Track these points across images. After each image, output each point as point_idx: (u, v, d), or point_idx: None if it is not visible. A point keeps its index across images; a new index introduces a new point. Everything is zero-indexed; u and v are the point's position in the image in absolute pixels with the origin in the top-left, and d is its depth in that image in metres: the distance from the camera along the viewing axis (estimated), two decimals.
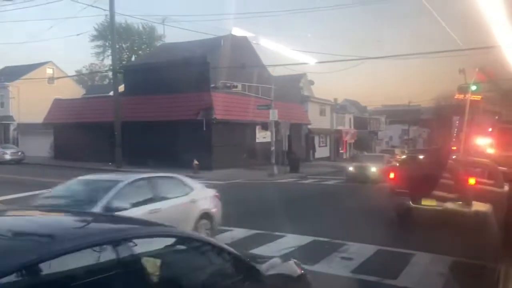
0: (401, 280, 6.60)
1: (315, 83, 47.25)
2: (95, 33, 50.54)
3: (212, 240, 3.72)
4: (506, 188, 9.58)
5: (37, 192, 15.23)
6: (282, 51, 24.41)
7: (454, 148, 19.06)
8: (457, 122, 22.70)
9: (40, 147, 33.11)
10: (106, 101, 30.58)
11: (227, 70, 26.71)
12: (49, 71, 38.12)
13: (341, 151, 49.42)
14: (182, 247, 3.30)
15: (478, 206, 8.19)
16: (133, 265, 2.72)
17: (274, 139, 25.74)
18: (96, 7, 33.01)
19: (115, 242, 2.66)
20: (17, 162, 29.40)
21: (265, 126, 26.84)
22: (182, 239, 3.31)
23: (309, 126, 39.51)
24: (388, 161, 23.54)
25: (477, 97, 21.61)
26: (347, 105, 55.50)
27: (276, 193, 18.65)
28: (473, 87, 21.61)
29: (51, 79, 36.84)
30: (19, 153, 30.87)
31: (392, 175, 11.11)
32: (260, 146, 29.73)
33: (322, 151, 44.17)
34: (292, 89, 38.50)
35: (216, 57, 27.45)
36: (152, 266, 2.91)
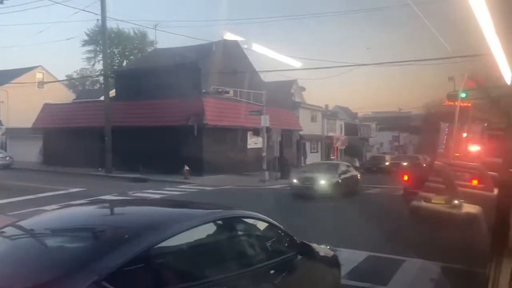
0: (392, 286, 6.59)
1: (306, 89, 47.48)
2: (86, 38, 50.38)
3: (271, 220, 4.27)
4: (495, 192, 9.70)
5: (21, 198, 15.01)
6: (274, 56, 24.46)
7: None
8: (447, 129, 22.91)
9: (29, 152, 32.74)
10: (97, 106, 30.38)
11: (218, 76, 26.71)
12: (39, 75, 37.80)
13: (332, 157, 49.54)
14: (250, 225, 4.01)
15: (468, 208, 8.29)
16: (223, 241, 3.55)
17: (265, 145, 25.73)
18: (88, 11, 32.95)
19: (211, 222, 3.45)
20: (5, 167, 29.04)
21: (256, 132, 26.83)
22: (250, 219, 4.02)
23: (301, 132, 39.60)
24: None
25: (467, 104, 21.83)
26: (338, 111, 55.76)
27: (266, 199, 18.60)
28: (463, 94, 21.84)
29: (41, 84, 36.53)
30: (7, 158, 30.51)
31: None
32: (251, 152, 29.71)
33: (313, 157, 44.24)
34: (284, 95, 38.60)
35: (208, 62, 27.44)
36: (233, 240, 3.71)
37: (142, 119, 27.15)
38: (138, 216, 3.69)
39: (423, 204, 9.15)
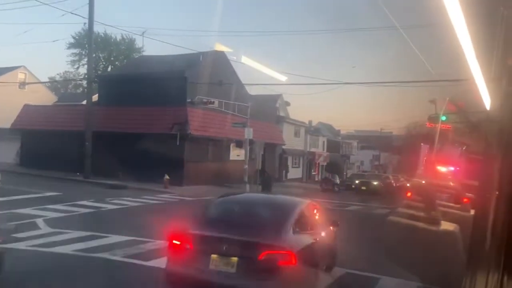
0: None
1: (291, 105, 47.79)
2: (72, 40, 49.88)
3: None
4: (472, 213, 9.94)
5: None
6: (260, 70, 24.63)
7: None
8: (426, 150, 23.30)
9: (6, 153, 31.95)
10: (78, 110, 29.94)
11: (204, 86, 26.67)
12: (21, 75, 37.13)
13: (313, 173, 49.78)
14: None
15: (447, 226, 8.47)
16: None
17: (248, 157, 25.70)
18: (76, 14, 32.47)
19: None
20: None
21: (239, 144, 26.79)
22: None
23: (283, 147, 39.73)
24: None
25: (447, 127, 22.25)
26: (321, 128, 56.24)
27: None
28: (443, 117, 22.24)
29: (23, 84, 35.89)
30: None
31: (409, 194, 12.85)
32: (233, 164, 29.61)
33: (294, 172, 44.38)
34: (268, 109, 38.76)
35: (194, 72, 27.40)
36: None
37: (124, 125, 26.84)
38: (279, 200, 7.60)
39: (401, 220, 9.29)
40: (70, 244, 9.10)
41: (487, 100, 5.85)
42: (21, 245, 8.84)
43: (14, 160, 32.31)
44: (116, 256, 8.28)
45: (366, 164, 66.69)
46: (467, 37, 5.06)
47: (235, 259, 5.22)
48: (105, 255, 8.29)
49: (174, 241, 5.54)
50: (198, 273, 5.29)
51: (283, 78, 25.70)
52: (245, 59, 25.36)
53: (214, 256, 5.29)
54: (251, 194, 13.75)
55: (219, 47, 23.68)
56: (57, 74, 57.60)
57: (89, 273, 7.35)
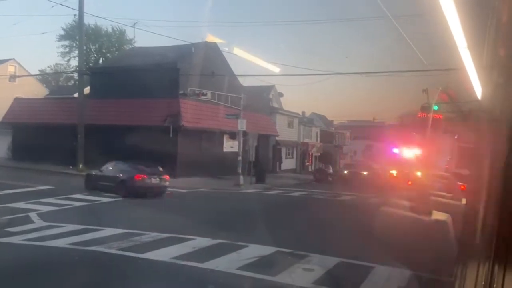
0: None
1: (284, 95, 47.69)
2: (62, 32, 49.26)
3: None
4: (464, 201, 10.06)
5: None
6: (253, 61, 24.54)
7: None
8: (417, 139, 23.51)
9: None
10: (70, 102, 29.69)
11: (197, 78, 26.53)
12: (11, 68, 36.69)
13: (307, 164, 49.92)
14: None
15: (438, 215, 8.57)
16: None
17: (241, 149, 25.70)
18: (66, 6, 32.10)
19: None
20: None
21: (233, 136, 26.77)
22: None
23: (277, 138, 39.74)
24: None
25: (438, 116, 22.40)
26: (314, 118, 56.27)
27: (241, 203, 18.58)
28: (435, 107, 22.36)
29: (13, 77, 35.49)
30: None
31: (410, 183, 13.09)
32: (227, 155, 29.61)
33: (288, 163, 44.47)
34: (262, 100, 38.68)
35: (186, 63, 27.23)
36: None
37: (116, 117, 26.67)
38: None
39: (393, 210, 9.40)
40: (64, 238, 9.09)
41: (478, 90, 5.87)
42: (14, 239, 8.83)
43: (5, 154, 32.06)
44: (111, 249, 8.28)
45: (359, 154, 66.95)
46: (458, 27, 5.08)
47: None
48: (100, 248, 8.30)
49: None
50: None
51: (276, 69, 25.67)
52: (237, 50, 25.26)
53: None
54: None
55: (211, 38, 23.55)
56: (48, 67, 56.99)
57: (84, 266, 7.36)
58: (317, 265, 8.19)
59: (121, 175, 17.71)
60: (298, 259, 8.37)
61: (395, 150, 25.92)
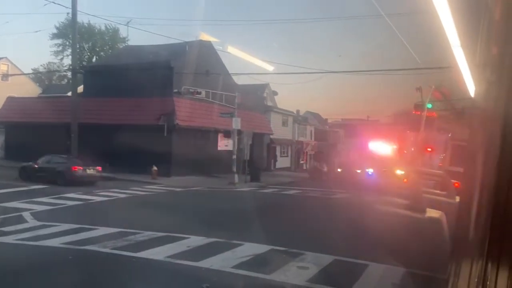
0: None
1: (279, 94, 47.72)
2: (55, 31, 48.96)
3: None
4: (457, 199, 10.08)
5: None
6: (247, 59, 24.53)
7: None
8: (411, 137, 23.64)
9: None
10: (64, 101, 29.52)
11: (191, 76, 26.46)
12: (3, 67, 36.40)
13: (301, 162, 49.99)
14: None
15: (432, 213, 8.61)
16: None
17: (236, 147, 25.68)
18: (58, 4, 31.73)
19: None
20: None
21: (227, 134, 26.74)
22: None
23: (271, 136, 39.75)
24: None
25: (432, 114, 22.56)
26: (308, 117, 56.33)
27: (235, 201, 18.57)
28: (429, 105, 22.52)
29: (5, 76, 35.21)
30: None
31: (405, 180, 13.35)
32: (222, 154, 29.58)
33: (283, 161, 44.50)
34: (256, 99, 38.66)
35: (181, 62, 27.14)
36: None
37: (110, 116, 26.55)
38: None
39: (387, 208, 9.42)
40: (58, 237, 9.04)
41: (471, 88, 5.90)
42: (8, 239, 8.78)
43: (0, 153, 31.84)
44: (106, 248, 8.25)
45: (352, 152, 67.05)
46: (452, 26, 5.11)
47: None
48: (94, 248, 8.26)
49: None
50: None
51: (270, 67, 25.69)
52: (231, 49, 25.24)
53: None
54: None
55: (205, 36, 23.48)
56: (41, 66, 56.60)
57: (78, 266, 7.32)
58: (312, 263, 8.21)
59: (59, 166, 20.24)
60: (292, 257, 8.38)
61: (371, 146, 25.34)
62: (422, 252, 7.69)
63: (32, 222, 10.83)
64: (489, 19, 1.83)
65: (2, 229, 9.71)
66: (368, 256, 8.38)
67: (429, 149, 19.54)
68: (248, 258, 8.07)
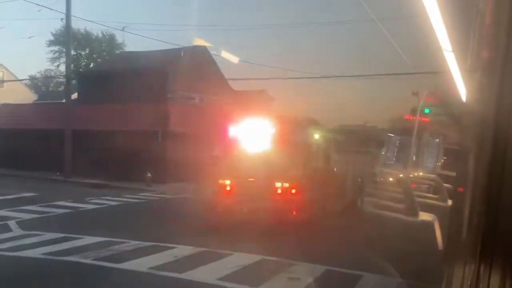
0: None
1: (275, 99, 47.48)
2: (51, 37, 48.78)
3: None
4: (449, 203, 10.00)
5: None
6: (243, 64, 24.37)
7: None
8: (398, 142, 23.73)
9: None
10: (58, 108, 29.21)
11: (186, 82, 26.24)
12: None
13: None
14: None
15: (424, 216, 8.46)
16: None
17: None
18: (51, 9, 31.22)
19: None
20: None
21: None
22: None
23: None
24: None
25: (425, 119, 22.47)
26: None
27: None
28: (426, 110, 22.34)
29: (1, 82, 34.99)
30: None
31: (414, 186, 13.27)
32: (217, 160, 29.24)
33: None
34: (252, 105, 38.42)
35: (176, 67, 26.94)
36: None
37: (105, 123, 26.24)
38: None
39: (380, 212, 9.26)
40: (40, 247, 8.69)
41: (463, 92, 5.84)
42: None
43: None
44: (87, 259, 7.91)
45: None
46: (443, 30, 4.98)
47: None
48: (75, 258, 7.93)
49: None
50: None
51: (266, 73, 25.48)
52: (227, 54, 25.08)
53: None
54: None
55: (200, 41, 23.30)
56: (38, 72, 56.38)
57: (53, 279, 6.99)
58: (304, 273, 7.92)
59: None
60: (284, 268, 8.08)
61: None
62: (414, 255, 7.46)
63: (16, 231, 10.49)
64: (479, 23, 1.87)
65: None
66: (360, 265, 8.06)
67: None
68: (237, 268, 7.77)
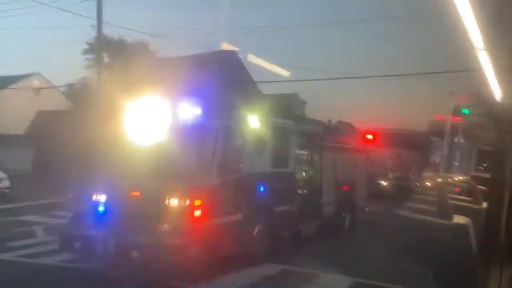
0: None
1: (308, 103, 46.88)
2: (86, 46, 50.05)
3: None
4: (484, 205, 9.45)
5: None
6: (273, 68, 24.03)
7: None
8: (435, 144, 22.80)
9: (20, 160, 31.98)
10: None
11: (216, 87, 26.12)
12: (35, 82, 37.32)
13: None
14: None
15: (459, 219, 7.94)
16: None
17: None
18: (84, 16, 31.66)
19: None
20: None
21: None
22: None
23: None
24: None
25: (457, 119, 21.70)
26: (340, 127, 55.07)
27: None
28: (465, 110, 21.52)
29: (37, 91, 36.09)
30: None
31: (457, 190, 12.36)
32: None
33: None
34: (284, 109, 38.01)
35: (204, 73, 26.93)
36: None
37: None
38: None
39: (412, 215, 8.86)
40: (60, 254, 8.49)
41: (498, 92, 5.58)
42: (8, 256, 8.39)
43: (28, 167, 32.43)
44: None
45: (388, 162, 65.15)
46: (476, 29, 4.75)
47: None
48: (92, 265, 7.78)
49: None
50: None
51: (297, 75, 25.06)
52: (256, 58, 24.83)
53: None
54: None
55: (228, 46, 23.11)
56: (75, 81, 57.95)
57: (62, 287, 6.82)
58: (328, 285, 7.51)
59: None
60: (307, 279, 7.68)
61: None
62: (448, 259, 6.95)
63: (41, 237, 10.49)
64: None
65: (10, 244, 9.42)
66: (393, 277, 7.52)
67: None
68: (257, 279, 7.44)
